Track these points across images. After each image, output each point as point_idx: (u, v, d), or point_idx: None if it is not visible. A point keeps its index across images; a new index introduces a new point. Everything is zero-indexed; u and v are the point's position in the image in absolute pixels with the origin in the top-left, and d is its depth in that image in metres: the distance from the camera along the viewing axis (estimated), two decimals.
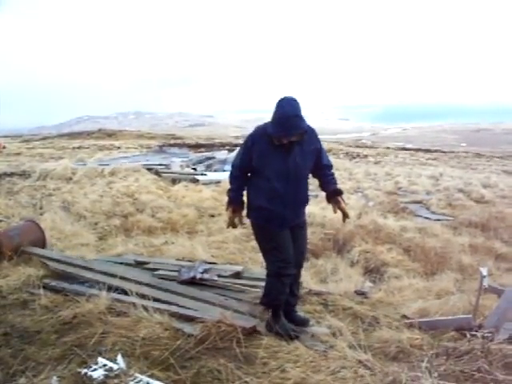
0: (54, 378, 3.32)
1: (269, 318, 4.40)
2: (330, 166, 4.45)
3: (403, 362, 3.81)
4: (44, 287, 5.39)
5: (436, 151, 45.02)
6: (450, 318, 4.88)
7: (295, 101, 4.02)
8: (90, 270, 6.00)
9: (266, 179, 4.17)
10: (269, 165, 4.13)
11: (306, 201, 4.43)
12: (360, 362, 3.61)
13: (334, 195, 4.39)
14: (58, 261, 6.37)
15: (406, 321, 4.93)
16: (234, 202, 4.42)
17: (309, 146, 4.21)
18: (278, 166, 4.12)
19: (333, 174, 4.47)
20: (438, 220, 12.43)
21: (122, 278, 5.60)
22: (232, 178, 4.43)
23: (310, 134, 4.20)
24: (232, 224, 4.51)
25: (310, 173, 4.39)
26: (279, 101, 4.02)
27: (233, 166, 4.42)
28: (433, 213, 13.76)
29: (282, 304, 4.41)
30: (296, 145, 4.10)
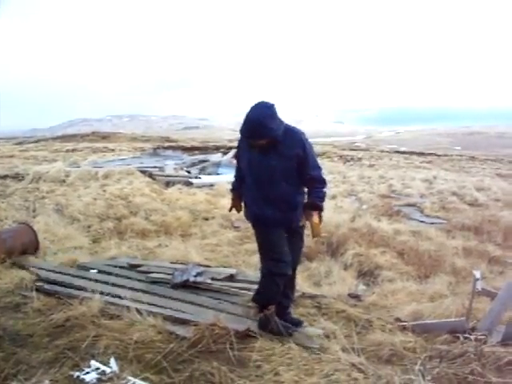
0: (47, 381, 3.31)
1: (261, 316, 4.39)
2: (321, 181, 4.32)
3: (396, 365, 3.82)
4: (37, 290, 5.37)
5: (430, 154, 45.15)
6: (443, 320, 4.89)
7: (267, 107, 4.06)
8: (83, 278, 5.97)
9: (248, 180, 4.40)
10: (248, 167, 4.34)
11: (294, 205, 4.35)
12: (353, 365, 3.61)
13: (309, 207, 4.30)
14: (50, 271, 6.34)
15: (400, 324, 4.94)
16: (233, 189, 4.83)
17: (288, 151, 4.17)
18: (254, 168, 4.29)
19: (321, 189, 4.32)
20: (432, 223, 12.43)
21: (115, 285, 5.59)
22: (235, 171, 4.81)
23: (292, 138, 4.18)
24: (232, 208, 4.86)
25: (300, 180, 4.34)
26: (253, 105, 4.08)
27: (235, 169, 4.84)
28: (426, 216, 13.76)
29: (274, 304, 4.42)
30: (271, 148, 4.13)
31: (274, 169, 4.20)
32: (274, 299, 4.41)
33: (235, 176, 4.79)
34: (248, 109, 4.07)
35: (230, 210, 4.90)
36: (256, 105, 4.06)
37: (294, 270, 4.63)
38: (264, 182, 4.26)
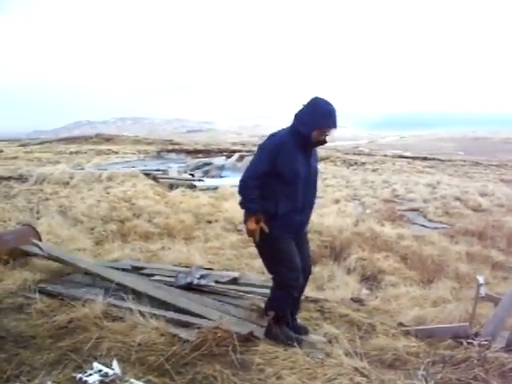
0: (49, 382, 3.31)
1: (269, 325, 4.39)
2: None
3: (399, 370, 3.81)
4: (40, 291, 5.36)
5: (433, 159, 45.08)
6: (446, 326, 4.88)
7: None
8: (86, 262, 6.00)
9: (290, 186, 4.16)
10: (296, 171, 4.14)
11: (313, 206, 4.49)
12: (356, 369, 3.60)
13: None
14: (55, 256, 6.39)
15: (403, 328, 4.93)
16: (258, 213, 4.17)
17: (315, 152, 4.40)
18: (303, 171, 4.18)
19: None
20: (435, 228, 12.42)
21: (119, 284, 5.59)
22: (249, 188, 4.18)
23: None
24: (256, 235, 4.22)
25: None
26: (318, 99, 4.15)
27: (250, 177, 4.19)
28: (430, 221, 13.76)
29: (287, 314, 4.42)
30: (312, 150, 4.29)
31: (316, 171, 4.37)
32: (285, 310, 4.40)
33: (255, 194, 4.15)
34: (313, 104, 4.14)
35: (255, 239, 4.26)
36: (322, 98, 4.15)
37: (309, 274, 4.64)
38: (310, 185, 4.29)
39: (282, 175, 4.12)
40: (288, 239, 4.23)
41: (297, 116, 4.20)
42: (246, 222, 4.25)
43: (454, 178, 26.83)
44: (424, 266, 8.22)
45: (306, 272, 4.50)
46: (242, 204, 4.25)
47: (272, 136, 4.25)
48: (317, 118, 4.08)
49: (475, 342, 4.11)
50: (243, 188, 4.21)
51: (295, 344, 4.19)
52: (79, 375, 3.43)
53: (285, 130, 4.27)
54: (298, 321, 4.76)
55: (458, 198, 17.43)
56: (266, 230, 4.17)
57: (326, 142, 4.24)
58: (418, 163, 39.40)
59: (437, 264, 8.40)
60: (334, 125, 4.14)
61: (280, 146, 4.12)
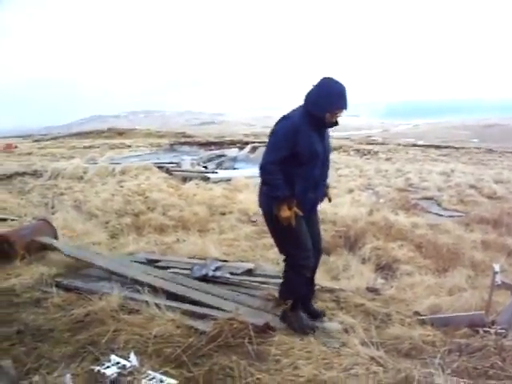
0: (68, 375, 3.33)
1: (285, 310, 4.40)
2: None
3: (416, 359, 3.80)
4: (56, 286, 5.40)
5: (447, 147, 44.68)
6: (462, 314, 4.86)
7: None
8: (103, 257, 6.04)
9: (307, 166, 4.17)
10: (314, 151, 4.16)
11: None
12: (372, 358, 3.61)
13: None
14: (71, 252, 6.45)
15: (419, 317, 4.92)
16: (288, 198, 4.09)
17: (327, 131, 4.44)
18: (319, 151, 4.20)
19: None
20: (450, 216, 12.35)
21: (135, 277, 5.62)
22: (272, 173, 4.11)
23: None
24: (292, 221, 4.13)
25: None
26: (328, 80, 4.15)
27: (270, 162, 4.12)
28: (444, 209, 13.68)
29: (301, 297, 4.43)
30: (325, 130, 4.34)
31: (329, 147, 4.44)
32: (300, 292, 4.42)
33: (280, 180, 4.09)
34: (324, 85, 4.15)
35: (291, 223, 4.13)
36: (333, 79, 4.16)
37: (320, 253, 4.68)
38: (324, 163, 4.34)
39: (298, 157, 4.11)
40: (300, 219, 4.21)
41: (308, 97, 4.20)
42: (278, 210, 4.12)
43: (469, 166, 26.64)
44: (439, 255, 8.19)
45: (318, 252, 4.52)
46: (270, 192, 4.17)
47: (284, 119, 4.23)
48: (329, 99, 4.09)
49: (492, 331, 4.10)
50: (266, 174, 4.16)
51: (310, 331, 4.22)
52: (97, 368, 3.46)
53: (296, 111, 4.25)
54: (315, 305, 4.78)
55: (472, 186, 17.30)
56: (300, 213, 4.15)
57: (337, 124, 4.27)
58: (431, 151, 39.16)
59: (452, 252, 8.37)
60: (345, 106, 4.16)
61: (295, 128, 4.10)
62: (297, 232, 4.22)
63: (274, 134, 4.21)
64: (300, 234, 4.25)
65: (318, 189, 4.38)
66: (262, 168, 4.16)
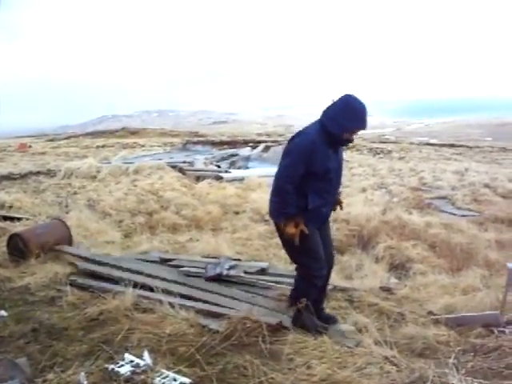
0: (82, 373, 3.36)
1: (296, 312, 4.39)
2: None
3: (430, 359, 3.78)
4: (71, 284, 5.45)
5: (461, 146, 44.40)
6: (476, 314, 4.83)
7: None
8: (119, 268, 6.02)
9: (322, 181, 4.18)
10: (328, 168, 4.16)
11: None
12: (386, 358, 3.60)
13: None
14: (86, 259, 6.44)
15: (433, 317, 4.90)
16: (296, 216, 4.15)
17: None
18: (334, 168, 4.22)
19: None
20: (464, 216, 12.26)
21: (148, 276, 5.65)
22: (287, 193, 4.14)
23: None
24: (296, 238, 4.19)
25: None
26: (350, 98, 4.09)
27: (287, 181, 4.14)
28: (458, 208, 13.58)
29: (312, 303, 4.41)
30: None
31: (342, 163, 4.47)
32: (310, 299, 4.40)
33: (292, 199, 4.13)
34: (344, 103, 4.09)
35: (296, 239, 4.19)
36: (353, 97, 4.11)
37: (332, 265, 4.68)
38: (338, 179, 4.41)
39: (314, 173, 4.11)
40: (314, 230, 4.24)
41: (327, 114, 4.14)
42: (284, 225, 4.19)
43: (483, 165, 26.42)
44: (453, 254, 8.14)
45: (330, 261, 4.52)
46: (280, 209, 4.22)
47: (300, 136, 4.22)
48: (349, 119, 4.04)
49: (506, 331, 4.08)
50: (282, 193, 4.18)
51: (323, 330, 4.21)
52: (111, 366, 3.49)
53: (312, 127, 4.22)
54: (326, 311, 4.76)
55: (486, 185, 17.15)
56: (307, 231, 4.17)
57: (353, 141, 4.31)
58: (445, 150, 38.93)
59: (466, 252, 8.31)
60: (364, 127, 4.12)
61: (311, 146, 4.08)
62: (309, 244, 4.24)
63: (290, 151, 4.22)
64: (313, 245, 4.26)
65: (330, 203, 4.41)
66: (279, 188, 4.21)
